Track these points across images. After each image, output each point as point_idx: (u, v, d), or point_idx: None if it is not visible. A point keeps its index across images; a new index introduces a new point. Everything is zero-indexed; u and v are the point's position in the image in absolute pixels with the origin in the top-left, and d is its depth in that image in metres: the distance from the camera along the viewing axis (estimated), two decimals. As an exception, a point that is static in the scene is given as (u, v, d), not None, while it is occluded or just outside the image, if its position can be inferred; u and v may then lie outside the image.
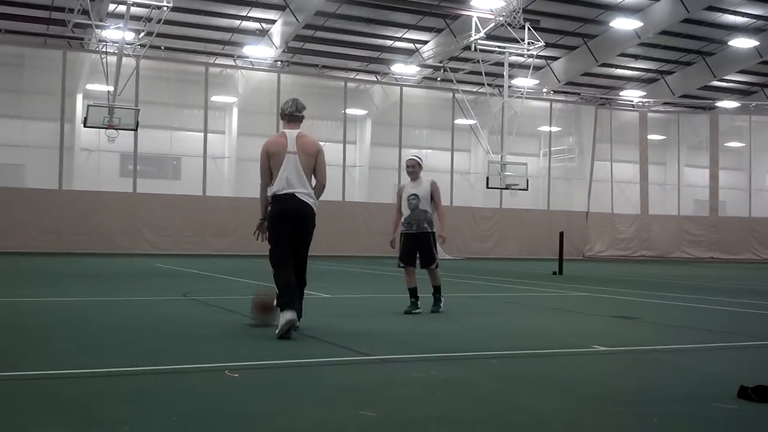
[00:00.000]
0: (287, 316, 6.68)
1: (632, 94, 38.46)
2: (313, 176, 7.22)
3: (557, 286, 15.37)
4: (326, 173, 7.33)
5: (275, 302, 6.98)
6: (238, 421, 3.90)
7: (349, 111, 34.21)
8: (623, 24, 30.40)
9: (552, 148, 38.26)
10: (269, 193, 7.14)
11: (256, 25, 30.38)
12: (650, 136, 39.53)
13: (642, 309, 10.80)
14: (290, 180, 7.02)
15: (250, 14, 29.58)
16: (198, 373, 5.22)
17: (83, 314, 8.67)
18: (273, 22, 30.26)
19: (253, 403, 4.29)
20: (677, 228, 39.13)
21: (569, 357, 6.36)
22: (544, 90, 36.37)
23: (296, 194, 7.03)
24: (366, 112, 35.66)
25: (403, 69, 33.88)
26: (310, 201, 7.11)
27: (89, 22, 25.12)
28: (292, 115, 7.30)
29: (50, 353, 5.89)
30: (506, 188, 31.51)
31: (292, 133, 7.18)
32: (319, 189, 7.28)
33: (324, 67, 33.84)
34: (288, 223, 7.05)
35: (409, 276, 9.40)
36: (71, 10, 25.81)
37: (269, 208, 7.19)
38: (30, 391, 4.53)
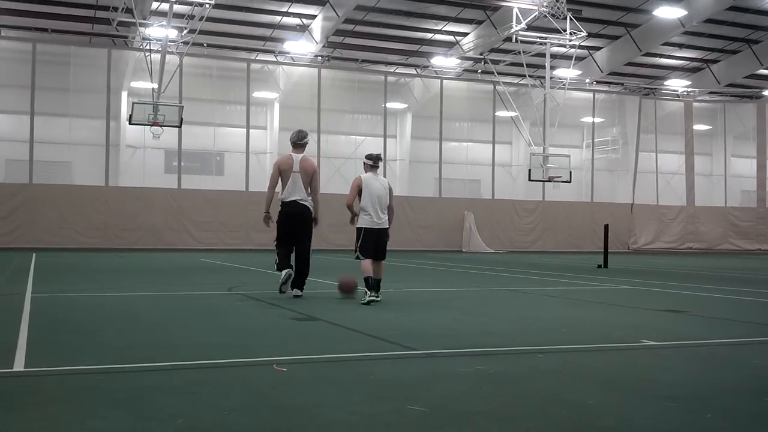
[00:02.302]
0: (286, 271, 9.85)
1: (677, 84, 37.83)
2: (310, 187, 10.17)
3: (603, 279, 15.22)
4: (320, 185, 10.48)
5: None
6: (287, 415, 3.93)
7: (389, 105, 34.20)
8: (667, 12, 29.90)
9: (595, 140, 37.84)
10: (279, 197, 10.19)
11: (296, 21, 30.50)
12: (696, 126, 38.87)
13: (690, 302, 10.65)
14: (292, 191, 10.07)
15: (290, 10, 29.70)
16: (246, 367, 5.28)
17: (132, 309, 8.82)
18: (313, 17, 30.35)
19: (301, 397, 4.32)
20: (724, 219, 38.46)
21: (617, 351, 6.30)
22: (587, 81, 35.96)
23: (296, 201, 10.08)
24: (406, 105, 35.61)
25: (443, 62, 33.74)
26: (306, 204, 10.13)
27: (133, 20, 25.47)
28: (295, 143, 10.27)
29: (102, 348, 6.00)
30: (549, 180, 31.23)
31: (297, 157, 10.16)
32: (315, 196, 10.26)
33: (364, 61, 33.87)
34: (289, 220, 10.12)
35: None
36: (115, 9, 26.18)
37: (279, 209, 10.20)
38: (84, 385, 4.62)
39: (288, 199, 10.06)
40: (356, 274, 10.14)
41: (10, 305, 8.75)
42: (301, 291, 10.07)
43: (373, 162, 9.96)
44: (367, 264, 9.68)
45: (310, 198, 10.17)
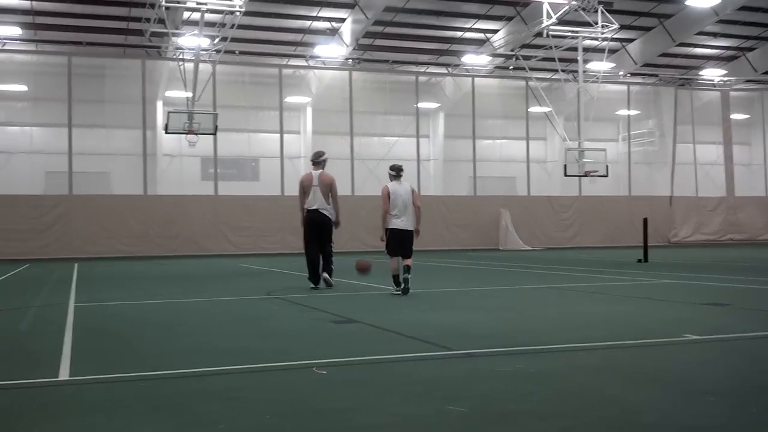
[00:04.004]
0: (313, 282, 12.04)
1: (713, 73, 37.24)
2: (330, 197, 12.17)
3: (643, 273, 15.04)
4: (337, 194, 12.33)
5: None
6: (328, 418, 3.95)
7: (421, 105, 34.17)
8: (700, 1, 29.44)
9: (631, 132, 37.41)
10: (305, 206, 12.21)
11: (326, 25, 30.62)
12: (733, 116, 38.25)
13: (732, 295, 10.48)
14: (313, 201, 12.09)
15: (320, 14, 29.83)
16: (286, 371, 5.31)
17: (173, 316, 8.92)
18: (343, 20, 30.44)
19: (342, 400, 4.34)
20: (766, 209, 37.79)
21: (659, 347, 6.22)
22: (621, 73, 35.57)
23: (318, 209, 12.10)
24: (438, 105, 35.54)
25: (474, 59, 33.62)
26: (326, 213, 12.12)
27: (166, 30, 25.79)
28: (313, 162, 12.44)
29: (144, 355, 6.08)
30: (585, 175, 30.93)
31: (315, 173, 12.21)
32: (335, 203, 12.23)
33: (395, 62, 33.88)
34: (312, 225, 12.16)
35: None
36: (148, 20, 26.52)
37: (305, 215, 12.25)
38: (127, 393, 4.69)
39: (311, 208, 12.11)
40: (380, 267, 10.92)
41: (54, 316, 8.90)
42: (329, 282, 12.02)
43: (396, 173, 11.22)
44: (394, 263, 10.96)
45: (330, 206, 12.17)
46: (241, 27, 26.19)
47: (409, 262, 10.83)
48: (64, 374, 5.25)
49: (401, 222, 10.96)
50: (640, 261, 19.42)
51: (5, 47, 29.16)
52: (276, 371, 5.33)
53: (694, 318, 8.04)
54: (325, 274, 12.07)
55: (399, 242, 10.94)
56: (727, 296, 10.22)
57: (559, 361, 5.58)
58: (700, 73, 37.34)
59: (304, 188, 12.24)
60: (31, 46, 30.08)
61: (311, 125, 33.74)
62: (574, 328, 7.25)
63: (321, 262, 12.18)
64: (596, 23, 28.03)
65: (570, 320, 7.90)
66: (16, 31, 28.21)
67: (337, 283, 12.53)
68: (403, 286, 10.64)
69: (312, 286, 12.02)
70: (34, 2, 27.14)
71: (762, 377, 4.90)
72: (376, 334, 7.14)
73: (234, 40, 27.03)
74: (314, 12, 29.69)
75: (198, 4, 23.38)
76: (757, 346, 6.25)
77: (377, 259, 13.82)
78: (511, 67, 34.55)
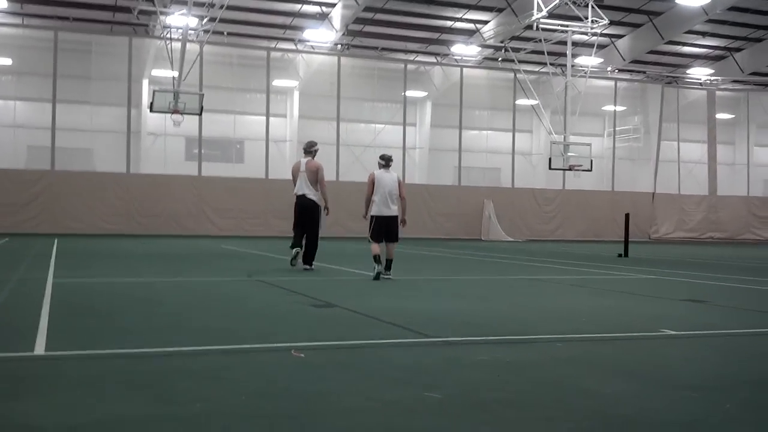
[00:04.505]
0: (295, 249, 12.47)
1: (700, 72, 37.41)
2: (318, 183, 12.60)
3: (623, 268, 15.13)
4: (324, 180, 12.68)
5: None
6: (306, 401, 3.95)
7: (408, 93, 34.11)
8: (690, 0, 29.56)
9: (617, 128, 37.56)
10: (294, 191, 12.70)
11: (316, 9, 30.45)
12: (718, 115, 38.48)
13: (711, 292, 10.57)
14: (300, 187, 12.59)
15: (311, -3, 29.67)
16: (265, 353, 5.31)
17: (154, 295, 8.88)
18: (333, 5, 30.29)
19: (320, 383, 4.34)
20: (746, 209, 38.11)
21: (637, 341, 6.27)
22: (609, 69, 35.66)
23: (305, 195, 12.56)
24: (426, 93, 35.51)
25: (464, 50, 33.58)
26: (312, 198, 12.51)
27: (154, 8, 25.56)
28: (305, 150, 12.94)
29: (123, 332, 6.05)
30: (569, 169, 31.06)
31: (303, 161, 12.75)
32: (323, 190, 12.64)
33: (384, 49, 33.79)
34: (299, 210, 12.61)
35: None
36: (136, -3, 26.28)
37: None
38: (105, 369, 4.66)
39: (298, 193, 12.60)
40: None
41: (32, 290, 8.84)
42: (310, 266, 12.39)
43: (386, 162, 11.55)
44: (375, 246, 11.16)
45: (318, 193, 12.59)
46: (230, 8, 26.00)
47: (391, 252, 11.25)
48: (40, 349, 5.21)
49: (385, 209, 11.27)
50: (620, 256, 19.53)
51: (-10, 19, 28.81)
52: (255, 353, 5.32)
53: (672, 313, 8.10)
54: (306, 265, 12.43)
55: (382, 228, 11.24)
56: (705, 293, 10.30)
57: (538, 351, 5.60)
58: (688, 71, 37.51)
59: (293, 175, 12.85)
60: (17, 20, 29.73)
61: (298, 109, 33.63)
62: (553, 320, 7.28)
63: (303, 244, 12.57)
64: (586, 18, 28.06)
65: (549, 312, 7.93)
66: (3, 4, 27.87)
67: (318, 267, 12.56)
68: (377, 271, 10.91)
69: (292, 250, 12.60)
70: (21, -26, 26.83)
71: (737, 373, 4.94)
72: (356, 319, 7.14)
73: (222, 20, 26.84)
74: (305, -5, 29.52)
75: (187, -18, 23.18)
76: (733, 343, 6.31)
77: (358, 244, 13.82)
78: (499, 59, 34.55)
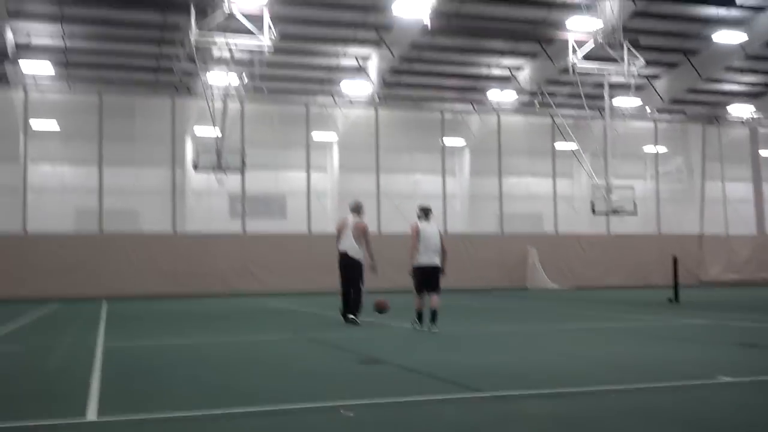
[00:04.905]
0: (348, 319, 12.67)
1: (741, 109, 36.99)
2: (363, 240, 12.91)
3: (674, 313, 14.83)
4: (370, 239, 13.00)
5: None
6: (357, 463, 3.89)
7: (447, 141, 34.21)
8: (726, 37, 29.38)
9: (659, 169, 37.14)
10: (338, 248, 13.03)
11: (353, 62, 30.91)
12: (763, 152, 37.88)
13: (766, 335, 10.28)
14: (344, 243, 12.92)
15: (347, 51, 30.13)
16: (314, 413, 5.26)
17: (202, 356, 8.90)
18: (369, 57, 30.73)
19: (371, 444, 4.28)
20: (798, 246, 37.22)
21: (693, 389, 6.10)
22: (648, 109, 35.44)
23: (347, 252, 12.88)
24: (464, 142, 35.58)
25: (500, 96, 33.70)
26: (353, 254, 12.83)
27: (195, 68, 26.16)
28: (352, 210, 13.23)
29: (173, 396, 6.06)
30: (613, 213, 30.71)
31: (351, 220, 13.07)
32: (368, 248, 12.93)
33: (420, 99, 34.06)
34: (342, 267, 12.97)
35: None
36: (178, 59, 26.93)
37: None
38: (156, 434, 4.66)
39: (341, 250, 12.98)
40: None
41: (83, 355, 8.93)
42: (356, 320, 12.63)
43: (425, 214, 11.63)
44: (418, 301, 11.34)
45: (360, 250, 12.89)
46: (269, 65, 26.50)
47: (435, 303, 11.22)
48: (92, 415, 5.24)
49: (428, 259, 11.34)
50: (671, 300, 19.15)
51: (37, 85, 29.71)
52: (304, 413, 5.29)
53: (728, 359, 7.88)
54: (351, 315, 12.73)
55: (426, 278, 11.33)
56: (760, 337, 10.03)
57: (591, 403, 5.48)
58: (728, 108, 37.11)
59: (338, 230, 13.25)
60: (63, 84, 30.64)
61: (338, 162, 33.91)
62: (603, 370, 7.13)
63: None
64: (622, 59, 28.02)
65: (599, 361, 7.77)
66: (49, 70, 28.78)
67: (364, 322, 12.53)
68: (431, 319, 11.06)
69: (343, 317, 12.87)
70: (67, 41, 27.70)
71: (801, 423, 4.78)
72: (404, 375, 7.07)
73: (262, 77, 27.34)
74: (341, 49, 30.00)
75: (227, 43, 23.74)
76: (795, 390, 6.10)
77: (403, 297, 13.76)
78: (537, 104, 34.57)
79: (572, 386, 6.14)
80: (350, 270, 12.87)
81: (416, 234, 11.37)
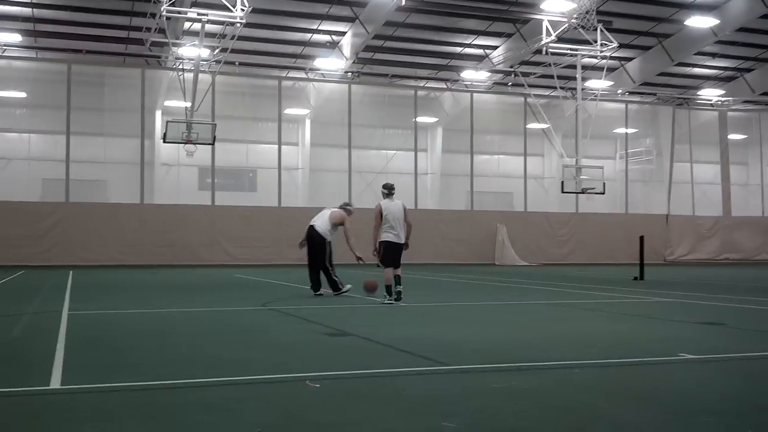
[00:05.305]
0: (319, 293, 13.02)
1: (711, 93, 37.41)
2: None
3: (639, 291, 15.03)
4: (350, 234, 13.04)
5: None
6: (322, 431, 3.93)
7: (419, 119, 34.24)
8: (699, 22, 29.64)
9: (629, 150, 37.51)
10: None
11: (326, 38, 30.71)
12: (731, 136, 38.39)
13: (729, 315, 10.48)
14: (317, 218, 13.29)
15: (320, 27, 29.93)
16: (280, 384, 5.29)
17: (168, 326, 8.89)
18: (343, 33, 30.54)
19: (335, 413, 4.32)
20: (762, 230, 37.85)
21: (654, 366, 6.21)
22: (619, 91, 35.70)
23: (314, 226, 13.12)
24: (436, 119, 35.62)
25: (473, 75, 33.74)
26: (319, 230, 13.01)
27: (166, 40, 25.83)
28: (342, 207, 13.58)
29: (138, 365, 6.05)
30: (582, 192, 30.99)
31: (336, 210, 13.44)
32: (348, 240, 13.04)
33: (394, 76, 33.98)
34: (308, 240, 13.17)
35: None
36: (148, 30, 26.57)
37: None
38: (120, 402, 4.66)
39: (310, 223, 13.27)
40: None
41: (47, 323, 8.87)
42: (339, 293, 12.85)
43: (389, 191, 11.84)
44: (389, 273, 11.52)
45: (329, 230, 13.09)
46: (241, 38, 26.24)
47: (399, 272, 11.63)
48: (56, 383, 5.22)
49: (394, 236, 11.62)
50: (636, 279, 19.41)
51: (5, 54, 29.19)
52: (270, 383, 5.31)
53: (690, 337, 8.03)
54: (334, 292, 13.00)
55: (394, 254, 11.59)
56: (723, 316, 10.21)
57: (554, 378, 5.56)
58: (699, 92, 37.50)
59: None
60: (31, 53, 30.11)
61: (309, 137, 33.79)
62: (569, 345, 7.23)
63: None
64: (595, 41, 28.16)
65: (565, 337, 7.88)
66: (17, 38, 28.26)
67: (328, 294, 12.78)
68: (395, 297, 11.47)
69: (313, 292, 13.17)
70: (35, 9, 27.20)
71: (757, 397, 4.89)
72: (370, 347, 7.12)
73: (234, 51, 27.07)
74: (315, 25, 29.79)
75: (199, 14, 23.46)
76: (752, 366, 6.24)
77: (369, 272, 13.80)
78: (509, 84, 34.65)
79: (535, 361, 6.22)
80: (313, 246, 13.07)
81: (379, 214, 11.66)
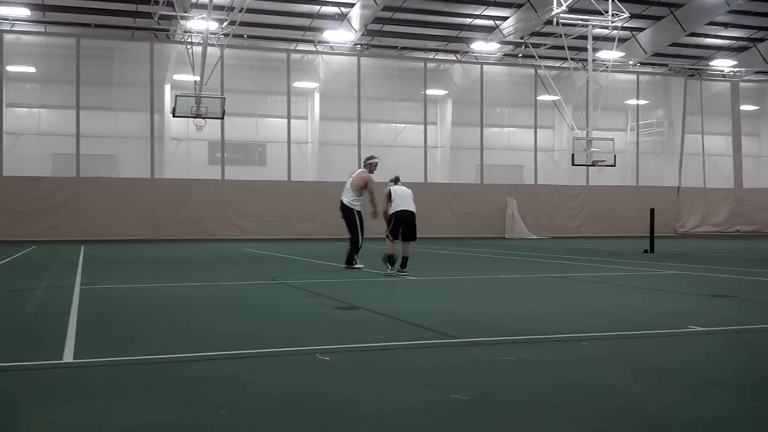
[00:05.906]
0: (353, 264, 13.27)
1: (723, 64, 37.04)
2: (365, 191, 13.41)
3: (649, 264, 15.02)
4: (373, 188, 13.26)
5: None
6: (331, 404, 3.96)
7: (429, 91, 34.07)
8: (711, -9, 29.30)
9: (640, 122, 37.27)
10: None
11: (335, 10, 30.51)
12: (743, 107, 38.07)
13: (738, 287, 10.46)
14: (343, 192, 13.57)
15: (329, -1, 29.74)
16: (290, 357, 5.33)
17: (178, 300, 8.95)
18: (352, 5, 30.33)
19: (345, 386, 4.35)
20: (774, 201, 37.69)
21: (663, 338, 6.22)
22: (630, 62, 35.40)
23: (342, 200, 13.52)
24: (446, 92, 35.44)
25: (483, 47, 33.50)
26: (346, 203, 13.39)
27: (174, 13, 25.73)
28: (364, 163, 13.93)
29: (149, 338, 6.10)
30: (593, 165, 30.87)
31: (357, 171, 13.77)
32: (371, 197, 13.28)
33: (403, 48, 33.78)
34: (342, 215, 13.58)
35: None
36: (157, 3, 26.48)
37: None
38: (132, 375, 4.71)
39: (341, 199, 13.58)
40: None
41: (60, 298, 8.94)
42: (351, 265, 13.15)
43: (395, 182, 12.41)
44: (390, 245, 11.99)
45: (356, 199, 13.36)
46: (249, 11, 26.13)
47: (408, 251, 12.05)
48: (68, 356, 5.27)
49: (404, 206, 12.05)
50: (646, 251, 19.38)
51: (14, 28, 29.16)
52: (280, 356, 5.35)
53: (699, 309, 8.03)
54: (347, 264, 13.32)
55: (403, 224, 11.93)
56: (733, 288, 10.20)
57: (563, 350, 5.58)
58: (710, 63, 37.14)
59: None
60: (39, 28, 30.07)
61: (319, 110, 33.70)
62: (578, 318, 7.25)
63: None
64: (606, 12, 27.87)
65: (574, 310, 7.89)
66: (25, 12, 28.19)
67: (340, 269, 12.67)
68: (398, 269, 11.86)
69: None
70: (43, -17, 27.11)
71: (766, 369, 4.89)
72: (380, 320, 7.15)
73: (242, 24, 26.97)
74: (324, -4, 29.58)
75: (207, -13, 23.31)
76: (762, 338, 6.24)
77: (378, 245, 13.85)
78: (520, 55, 34.39)
79: (544, 333, 6.24)
80: (344, 217, 13.53)
81: (388, 196, 12.21)
